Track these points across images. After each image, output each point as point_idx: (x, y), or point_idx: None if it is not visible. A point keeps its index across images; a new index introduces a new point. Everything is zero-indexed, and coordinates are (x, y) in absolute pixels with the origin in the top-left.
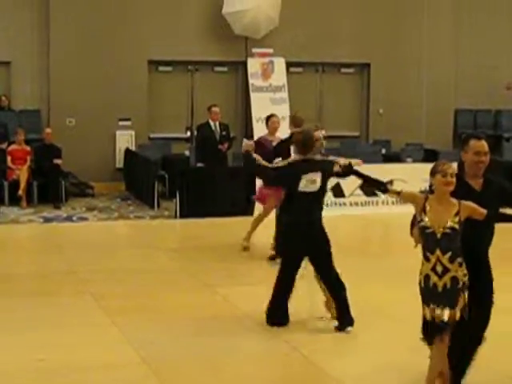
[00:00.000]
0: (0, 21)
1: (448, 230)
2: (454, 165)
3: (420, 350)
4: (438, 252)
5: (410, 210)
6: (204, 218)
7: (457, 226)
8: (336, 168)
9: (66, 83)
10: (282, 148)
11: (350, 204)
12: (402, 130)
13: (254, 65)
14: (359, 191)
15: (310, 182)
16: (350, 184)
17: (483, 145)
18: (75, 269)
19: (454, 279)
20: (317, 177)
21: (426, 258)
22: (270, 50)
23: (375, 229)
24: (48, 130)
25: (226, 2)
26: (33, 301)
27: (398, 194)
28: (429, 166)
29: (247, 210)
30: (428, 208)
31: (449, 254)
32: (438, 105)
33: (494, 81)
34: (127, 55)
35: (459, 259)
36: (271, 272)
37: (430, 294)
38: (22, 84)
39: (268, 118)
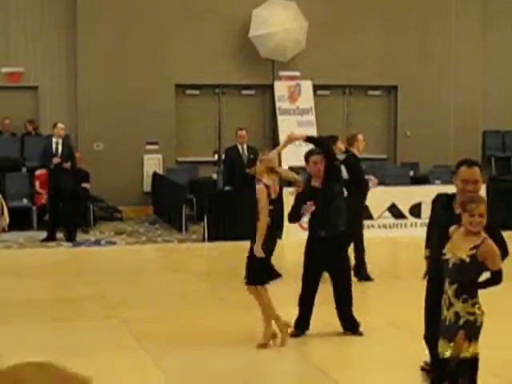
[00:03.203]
0: (28, 46)
1: (458, 261)
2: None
3: None
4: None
5: None
6: (232, 242)
7: (467, 260)
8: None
9: (94, 108)
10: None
11: (379, 226)
12: (429, 151)
13: (281, 88)
14: (387, 213)
15: None
16: (379, 206)
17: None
18: (103, 293)
19: (456, 315)
20: None
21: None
22: (297, 73)
23: (404, 251)
24: (77, 155)
25: (252, 26)
26: (60, 325)
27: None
28: None
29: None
30: (454, 237)
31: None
32: (465, 126)
33: None
34: (154, 79)
35: (465, 295)
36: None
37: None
38: (49, 109)
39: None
